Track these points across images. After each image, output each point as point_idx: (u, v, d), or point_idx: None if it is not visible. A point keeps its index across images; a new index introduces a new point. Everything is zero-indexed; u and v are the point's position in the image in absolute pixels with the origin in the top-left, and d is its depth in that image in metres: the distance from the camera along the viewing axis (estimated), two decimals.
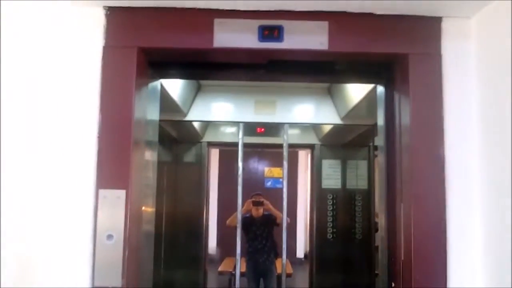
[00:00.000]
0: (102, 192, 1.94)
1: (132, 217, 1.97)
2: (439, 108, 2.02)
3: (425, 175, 1.99)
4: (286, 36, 2.03)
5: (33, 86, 1.75)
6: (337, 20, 2.03)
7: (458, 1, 1.91)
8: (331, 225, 5.89)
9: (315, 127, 5.83)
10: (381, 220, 2.40)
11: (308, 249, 7.53)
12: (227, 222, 5.31)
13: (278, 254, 5.45)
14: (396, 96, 2.21)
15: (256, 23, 2.03)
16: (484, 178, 1.94)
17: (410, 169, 2.01)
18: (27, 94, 1.74)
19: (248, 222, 5.44)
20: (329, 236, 5.89)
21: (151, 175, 2.34)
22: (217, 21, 2.02)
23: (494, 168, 1.87)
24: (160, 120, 2.53)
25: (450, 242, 1.96)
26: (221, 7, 2.01)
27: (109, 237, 1.92)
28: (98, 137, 1.97)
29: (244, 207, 5.33)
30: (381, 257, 2.37)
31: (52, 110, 1.91)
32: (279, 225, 5.28)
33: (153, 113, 2.37)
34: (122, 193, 1.94)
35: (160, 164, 2.60)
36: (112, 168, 1.95)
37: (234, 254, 4.92)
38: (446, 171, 1.99)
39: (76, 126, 1.98)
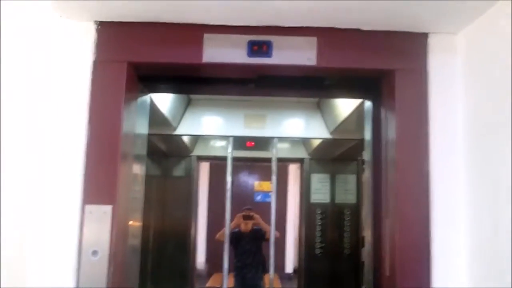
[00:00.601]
0: (88, 207, 1.93)
1: (118, 233, 1.96)
2: (425, 124, 2.03)
3: (410, 190, 2.00)
4: (275, 52, 2.04)
5: (22, 99, 1.74)
6: (325, 36, 2.05)
7: (444, 18, 1.94)
8: (320, 240, 5.90)
9: (304, 141, 5.86)
10: (367, 235, 2.41)
11: (297, 264, 7.51)
12: (217, 236, 5.30)
13: (266, 270, 5.44)
14: (383, 111, 2.23)
15: (245, 38, 2.05)
16: (469, 194, 1.95)
17: (395, 184, 2.02)
18: (15, 108, 1.73)
19: (237, 237, 5.43)
20: (318, 251, 5.90)
21: (139, 189, 2.34)
22: (206, 36, 2.04)
23: (478, 183, 1.89)
24: (149, 134, 2.53)
25: (435, 258, 1.96)
26: (210, 23, 2.02)
27: (94, 253, 1.90)
28: (86, 152, 1.96)
29: (234, 221, 5.33)
30: (367, 272, 2.38)
31: (40, 123, 1.90)
32: (269, 240, 5.28)
33: (142, 127, 2.37)
34: (108, 208, 1.93)
35: (149, 178, 2.60)
36: (99, 184, 1.94)
37: (222, 269, 4.91)
38: (430, 186, 2.00)
39: (64, 140, 1.97)
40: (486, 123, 1.84)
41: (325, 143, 5.07)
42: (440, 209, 1.99)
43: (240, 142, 5.16)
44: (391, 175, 2.08)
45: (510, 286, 1.62)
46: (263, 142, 5.30)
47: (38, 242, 1.89)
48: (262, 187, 9.27)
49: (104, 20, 2.03)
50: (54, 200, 1.94)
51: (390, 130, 2.11)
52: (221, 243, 5.04)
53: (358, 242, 5.66)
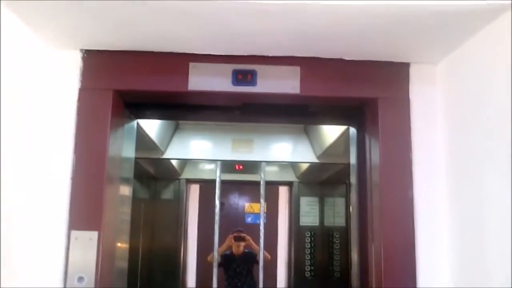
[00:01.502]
0: (74, 233, 1.93)
1: (105, 258, 1.96)
2: (408, 150, 2.06)
3: (394, 214, 2.02)
4: (259, 80, 2.08)
5: (8, 126, 1.75)
6: (308, 65, 2.09)
7: (424, 49, 1.98)
8: (309, 262, 5.89)
9: (293, 165, 5.89)
10: (354, 258, 2.43)
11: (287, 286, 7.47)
12: (208, 258, 5.28)
13: None
14: (367, 137, 2.26)
15: (230, 67, 2.08)
16: (452, 219, 1.98)
17: (379, 208, 2.04)
18: (2, 134, 1.74)
19: (229, 259, 5.41)
20: (307, 273, 5.89)
21: (126, 211, 2.35)
22: (192, 65, 2.07)
23: (460, 208, 1.92)
24: (137, 158, 2.55)
25: (420, 282, 1.98)
26: (196, 52, 2.06)
27: (80, 279, 1.90)
28: (72, 178, 1.97)
29: (226, 243, 5.32)
30: None
31: (26, 149, 1.91)
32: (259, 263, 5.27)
33: (128, 151, 2.38)
34: (94, 234, 1.93)
35: (138, 201, 2.62)
36: (85, 209, 1.95)
37: None
38: (415, 210, 2.03)
39: (50, 167, 1.98)
40: (465, 149, 1.88)
41: (313, 166, 5.10)
42: (425, 233, 2.02)
43: (228, 165, 5.18)
44: (375, 199, 2.11)
45: None
46: (251, 165, 5.33)
47: (23, 268, 1.89)
48: (253, 208, 9.23)
49: (90, 48, 2.06)
50: (39, 226, 1.94)
51: (374, 156, 2.15)
52: (212, 265, 5.03)
53: (347, 265, 5.66)
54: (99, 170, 1.99)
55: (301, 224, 5.97)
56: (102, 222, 1.95)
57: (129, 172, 2.41)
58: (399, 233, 2.02)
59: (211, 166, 5.82)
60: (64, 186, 1.97)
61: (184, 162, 5.83)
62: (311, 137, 4.68)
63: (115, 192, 2.16)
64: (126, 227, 2.36)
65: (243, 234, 5.49)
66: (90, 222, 1.95)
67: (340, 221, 5.91)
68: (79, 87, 2.05)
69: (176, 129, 4.71)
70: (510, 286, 1.53)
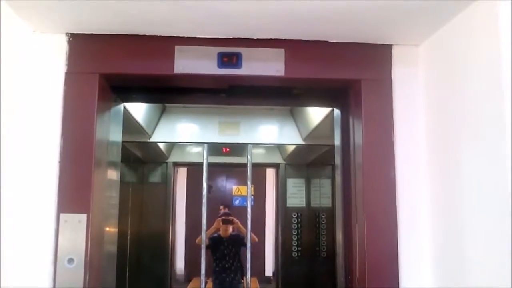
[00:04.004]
0: (63, 216, 1.96)
1: (94, 240, 2.00)
2: (390, 131, 2.11)
3: (377, 195, 2.07)
4: (244, 63, 2.10)
5: None
6: (293, 47, 2.11)
7: (406, 31, 2.02)
8: (296, 243, 5.96)
9: (279, 147, 5.93)
10: (338, 238, 2.48)
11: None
12: (197, 240, 5.33)
13: (244, 274, 5.49)
14: (351, 119, 2.30)
15: (215, 50, 2.10)
16: (433, 197, 2.04)
17: (362, 189, 2.09)
18: None
19: (217, 242, 5.46)
20: (294, 254, 5.96)
21: (114, 195, 2.38)
22: (177, 48, 2.08)
23: (441, 187, 1.97)
24: (124, 142, 2.56)
25: (402, 260, 2.04)
26: (181, 35, 2.07)
27: (70, 261, 1.94)
28: (60, 161, 1.99)
29: (214, 225, 5.36)
30: (339, 274, 2.45)
31: (14, 133, 1.92)
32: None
33: (115, 135, 2.40)
34: (83, 217, 1.96)
35: (125, 184, 2.65)
36: (73, 193, 1.98)
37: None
38: (397, 191, 2.08)
39: (38, 150, 2.00)
40: (446, 129, 1.93)
41: (300, 148, 5.14)
42: (406, 213, 2.07)
43: (215, 148, 5.21)
44: (359, 180, 2.16)
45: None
46: (238, 148, 5.36)
47: (13, 251, 1.91)
48: (240, 191, 9.28)
49: (75, 32, 2.06)
50: (29, 209, 1.96)
51: (357, 137, 2.19)
52: (200, 248, 5.08)
53: (334, 245, 5.73)
54: (87, 154, 2.01)
55: (288, 205, 6.04)
56: (90, 204, 1.98)
57: (116, 156, 2.43)
58: (382, 213, 2.07)
59: (198, 149, 5.84)
60: (53, 169, 1.99)
61: (171, 145, 5.84)
62: (297, 119, 4.72)
63: (103, 175, 2.18)
64: (115, 210, 2.39)
65: (231, 217, 5.54)
66: (79, 205, 1.98)
67: (326, 202, 5.98)
68: (65, 71, 2.05)
69: (162, 112, 4.71)
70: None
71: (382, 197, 2.08)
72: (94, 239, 2.00)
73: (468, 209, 1.76)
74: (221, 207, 5.95)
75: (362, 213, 2.09)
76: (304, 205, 6.05)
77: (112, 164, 2.32)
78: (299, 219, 6.00)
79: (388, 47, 2.16)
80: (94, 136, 2.02)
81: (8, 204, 1.88)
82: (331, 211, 5.90)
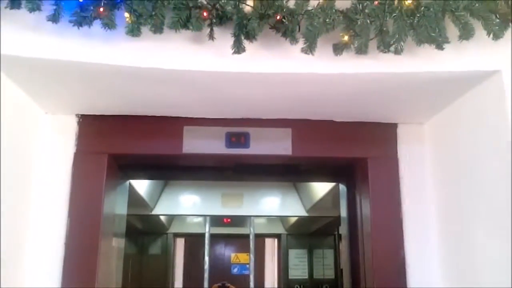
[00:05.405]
0: None
1: None
2: (398, 205, 2.11)
3: (387, 264, 2.05)
4: (252, 142, 2.13)
5: (6, 188, 1.75)
6: (299, 127, 2.14)
7: (411, 110, 2.06)
8: None
9: (281, 217, 5.88)
10: None
11: None
12: None
13: None
14: (357, 194, 2.31)
15: (224, 130, 2.13)
16: (443, 273, 2.02)
17: (371, 258, 2.07)
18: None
19: None
20: None
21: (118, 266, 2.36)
22: (186, 129, 2.11)
23: (452, 264, 1.96)
24: (127, 215, 2.56)
25: None
26: (190, 115, 2.11)
27: None
28: (65, 243, 1.97)
29: None
30: None
31: (22, 211, 1.91)
32: None
33: (121, 209, 2.41)
34: None
35: (126, 255, 2.61)
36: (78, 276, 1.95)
37: None
38: (406, 257, 2.06)
39: (44, 230, 1.98)
40: (455, 206, 1.94)
41: (302, 219, 5.11)
42: (416, 281, 2.04)
43: (217, 218, 5.17)
44: (367, 248, 2.14)
45: None
46: (240, 219, 5.32)
47: None
48: (239, 259, 9.12)
49: (85, 113, 2.09)
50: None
51: (365, 210, 2.20)
52: None
53: None
54: (94, 230, 1.99)
55: (290, 277, 5.92)
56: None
57: (121, 228, 2.42)
58: (391, 283, 2.04)
59: (199, 219, 5.79)
60: (58, 251, 1.96)
61: (172, 216, 5.80)
62: (300, 192, 4.72)
63: (109, 257, 2.15)
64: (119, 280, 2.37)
65: (227, 284, 5.44)
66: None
67: (329, 274, 5.87)
68: (75, 151, 2.07)
69: (165, 185, 4.70)
70: None
71: (391, 263, 2.05)
72: None
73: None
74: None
75: (372, 278, 2.06)
76: (306, 277, 5.93)
77: (116, 241, 2.30)
78: None
79: (394, 126, 2.19)
80: (101, 215, 2.02)
81: (13, 275, 1.85)
82: (334, 283, 5.78)
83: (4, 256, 1.74)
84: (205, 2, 1.49)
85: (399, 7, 1.50)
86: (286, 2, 1.50)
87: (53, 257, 1.97)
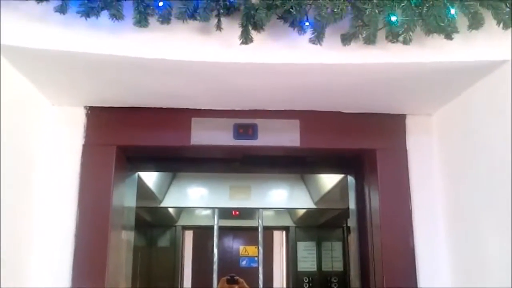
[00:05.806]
0: None
1: None
2: (407, 196, 2.11)
3: (396, 255, 2.05)
4: (260, 134, 2.12)
5: (14, 180, 1.76)
6: (307, 118, 2.14)
7: (419, 101, 2.05)
8: None
9: (290, 210, 5.88)
10: None
11: None
12: None
13: None
14: (366, 185, 2.30)
15: (231, 121, 2.13)
16: (451, 265, 2.01)
17: (381, 249, 2.07)
18: (9, 187, 1.75)
19: None
20: None
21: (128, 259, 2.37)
22: (194, 120, 2.11)
23: (459, 255, 1.96)
24: (136, 207, 2.57)
25: None
26: (198, 107, 2.11)
27: None
28: (75, 235, 1.98)
29: (219, 286, 5.26)
30: None
31: (32, 202, 1.92)
32: None
33: (130, 201, 2.42)
34: None
35: (134, 248, 2.63)
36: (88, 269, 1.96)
37: None
38: (415, 248, 2.06)
39: (53, 222, 1.98)
40: (463, 197, 1.93)
41: (310, 212, 5.11)
42: (426, 276, 2.04)
43: (225, 211, 5.17)
44: (377, 240, 2.14)
45: None
46: (248, 211, 5.32)
47: None
48: (248, 251, 9.13)
49: (93, 105, 2.10)
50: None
51: (374, 202, 2.19)
52: None
53: None
54: (103, 222, 2.00)
55: (299, 269, 5.92)
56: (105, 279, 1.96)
57: (130, 220, 2.44)
58: (400, 274, 2.04)
59: (207, 212, 5.80)
60: (68, 244, 1.97)
61: (181, 209, 5.81)
62: (308, 184, 4.71)
63: (118, 249, 2.16)
64: (128, 272, 2.38)
65: (236, 277, 5.44)
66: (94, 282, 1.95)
67: (338, 266, 5.87)
68: (83, 143, 2.07)
69: (173, 178, 4.72)
70: None
71: (400, 254, 2.05)
72: None
73: (489, 274, 1.73)
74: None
75: (381, 272, 2.06)
76: (315, 269, 5.93)
77: (125, 234, 2.31)
78: (310, 284, 5.87)
79: (402, 117, 2.18)
80: (110, 206, 2.02)
81: (22, 271, 1.86)
82: (343, 275, 5.78)
83: (13, 248, 1.75)
84: None
85: None
86: None
87: (63, 250, 1.97)
